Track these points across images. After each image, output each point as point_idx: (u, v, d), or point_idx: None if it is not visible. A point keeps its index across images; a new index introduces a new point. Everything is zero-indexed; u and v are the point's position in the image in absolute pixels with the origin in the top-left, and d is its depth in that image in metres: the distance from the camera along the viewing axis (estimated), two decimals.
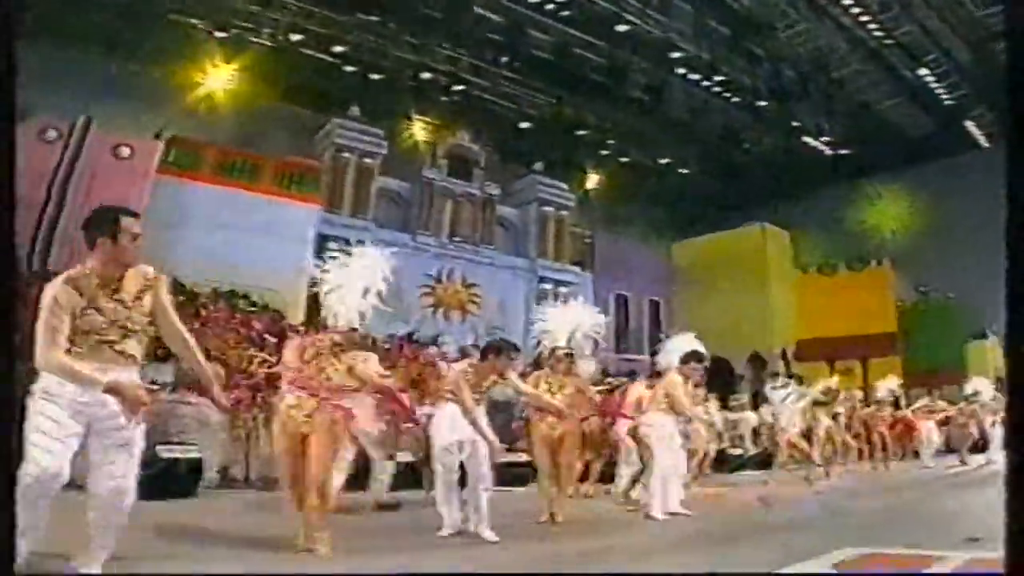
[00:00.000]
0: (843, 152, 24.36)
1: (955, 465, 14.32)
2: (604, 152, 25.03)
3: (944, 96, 22.27)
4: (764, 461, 14.06)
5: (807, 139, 24.01)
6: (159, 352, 8.52)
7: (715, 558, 5.31)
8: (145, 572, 4.00)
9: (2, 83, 2.67)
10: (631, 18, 19.52)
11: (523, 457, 9.10)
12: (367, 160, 20.29)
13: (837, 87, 22.37)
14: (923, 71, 21.26)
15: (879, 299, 24.05)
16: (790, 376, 17.59)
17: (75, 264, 3.61)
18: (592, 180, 25.84)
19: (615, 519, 7.41)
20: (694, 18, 19.94)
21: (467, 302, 21.55)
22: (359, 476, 7.59)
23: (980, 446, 15.04)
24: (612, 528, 6.96)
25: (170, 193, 15.65)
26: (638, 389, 9.11)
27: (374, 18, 19.13)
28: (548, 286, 22.26)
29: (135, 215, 3.64)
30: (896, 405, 15.17)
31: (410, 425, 7.34)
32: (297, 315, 14.02)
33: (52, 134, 14.71)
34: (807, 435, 12.10)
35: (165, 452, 7.59)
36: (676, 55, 20.79)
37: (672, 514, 7.28)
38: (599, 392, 9.96)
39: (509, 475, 8.73)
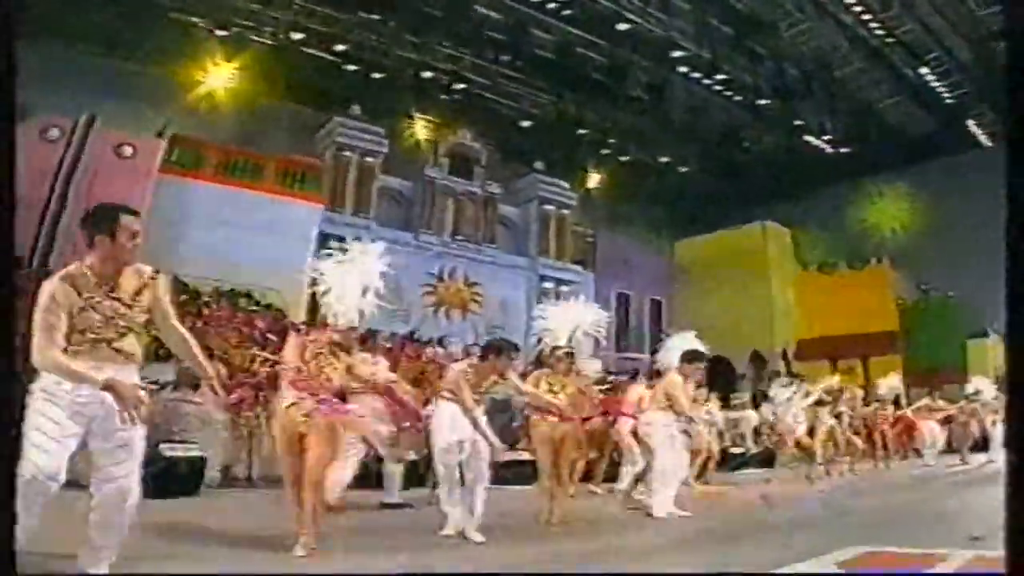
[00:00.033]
0: (844, 151, 24.30)
1: (956, 464, 14.33)
2: (605, 151, 24.99)
3: (945, 95, 22.23)
4: (765, 460, 14.10)
5: (808, 138, 23.97)
6: (160, 351, 8.56)
7: (717, 557, 5.32)
8: (146, 572, 3.99)
9: (2, 83, 2.69)
10: (632, 17, 19.50)
11: (525, 456, 9.11)
12: (368, 159, 20.28)
13: (838, 86, 22.35)
14: (924, 70, 21.21)
15: (879, 298, 24.03)
16: (791, 375, 17.65)
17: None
18: (593, 179, 25.80)
19: (616, 518, 7.42)
20: (695, 17, 19.92)
21: (469, 301, 21.55)
22: (369, 476, 7.63)
23: (981, 445, 15.05)
24: (613, 527, 6.97)
25: (172, 192, 15.65)
26: (639, 388, 9.12)
27: (375, 17, 19.10)
28: (549, 285, 22.26)
29: (135, 213, 3.63)
30: (896, 404, 15.17)
31: (407, 425, 7.35)
32: (299, 314, 14.04)
33: (54, 133, 14.70)
34: (811, 434, 12.13)
35: (168, 451, 7.60)
36: (677, 54, 20.74)
37: (669, 514, 7.30)
38: (602, 392, 9.97)
39: (510, 474, 8.75)
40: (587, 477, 9.65)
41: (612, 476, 9.48)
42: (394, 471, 7.56)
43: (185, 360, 4.05)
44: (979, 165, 19.40)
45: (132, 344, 3.55)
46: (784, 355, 24.07)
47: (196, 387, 8.45)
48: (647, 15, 19.57)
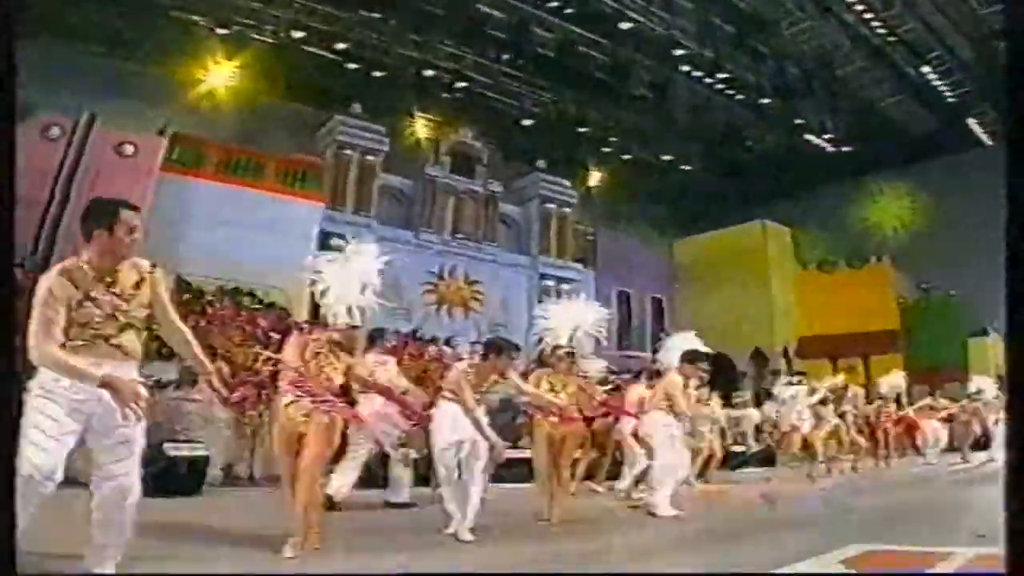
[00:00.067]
0: (845, 149, 24.29)
1: (957, 463, 14.35)
2: (607, 149, 24.97)
3: (947, 94, 22.23)
4: (766, 459, 14.11)
5: (810, 137, 23.96)
6: (163, 350, 8.57)
7: (718, 556, 5.33)
8: (149, 571, 3.99)
9: (2, 82, 2.67)
10: (634, 16, 19.48)
11: (527, 454, 9.12)
12: (369, 157, 20.27)
13: (840, 85, 22.33)
14: (926, 69, 21.21)
15: (880, 296, 24.03)
16: (793, 373, 17.65)
17: None
18: (594, 177, 25.78)
19: (617, 518, 7.42)
20: (697, 16, 19.88)
21: (469, 299, 21.54)
22: (374, 476, 7.65)
23: (982, 444, 15.06)
24: (613, 527, 6.97)
25: (173, 190, 15.64)
26: (639, 388, 9.13)
27: (376, 15, 19.08)
28: (550, 283, 22.24)
29: (135, 208, 3.62)
30: (898, 402, 15.18)
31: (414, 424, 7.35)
32: (302, 312, 14.04)
33: (55, 131, 14.70)
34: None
35: (172, 450, 7.60)
36: (679, 53, 20.71)
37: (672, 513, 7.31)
38: (604, 391, 9.96)
39: (510, 473, 8.74)
40: (589, 476, 9.66)
41: (615, 475, 9.49)
42: (402, 472, 7.58)
43: (184, 355, 4.03)
44: (980, 164, 19.38)
45: (131, 340, 3.54)
46: (785, 353, 24.07)
47: (196, 383, 8.44)
48: (649, 14, 19.54)
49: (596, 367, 9.92)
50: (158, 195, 14.91)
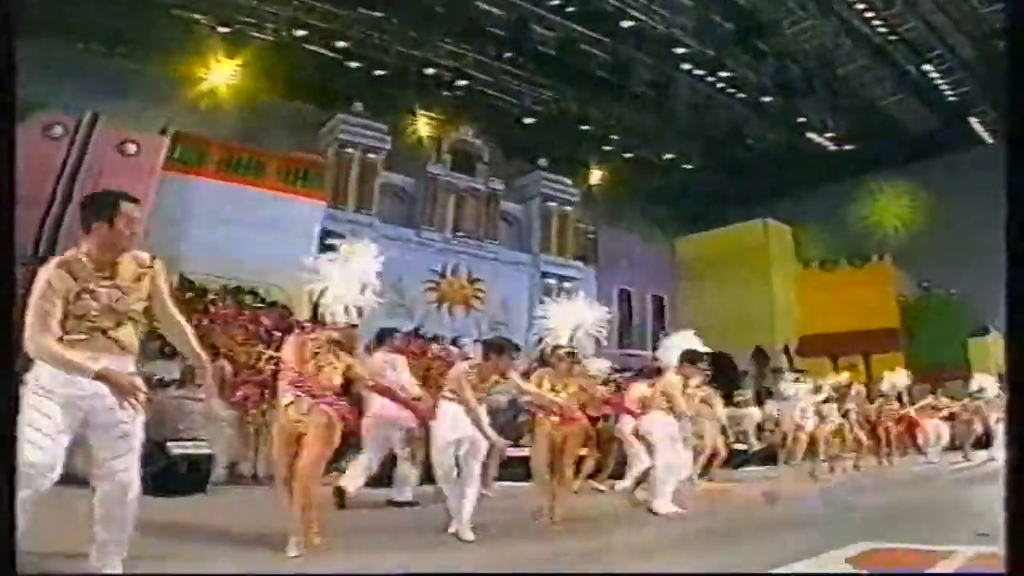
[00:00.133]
0: (847, 148, 24.32)
1: (959, 461, 14.36)
2: (608, 148, 25.01)
3: (948, 93, 22.25)
4: (767, 457, 14.12)
5: (811, 135, 23.99)
6: (165, 349, 8.59)
7: (720, 555, 5.33)
8: (152, 570, 3.99)
9: (3, 82, 2.67)
10: (636, 14, 19.49)
11: (529, 452, 9.12)
12: (371, 156, 20.27)
13: (841, 83, 22.34)
14: (927, 67, 21.23)
15: (881, 295, 24.03)
16: (797, 371, 17.65)
17: None
18: (596, 175, 25.82)
19: (619, 516, 7.41)
20: (698, 14, 19.87)
21: (471, 297, 21.55)
22: (378, 475, 7.66)
23: (983, 442, 15.08)
24: (616, 525, 6.96)
25: (175, 189, 15.66)
26: (641, 386, 9.13)
27: (377, 13, 19.09)
28: (552, 281, 22.21)
29: (135, 200, 3.60)
30: (899, 400, 15.18)
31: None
32: (303, 311, 14.04)
33: (58, 130, 14.70)
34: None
35: (176, 449, 7.59)
36: (680, 51, 20.73)
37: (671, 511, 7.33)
38: (607, 390, 9.98)
39: (512, 472, 8.76)
40: (592, 474, 9.68)
41: (619, 475, 9.49)
42: (408, 470, 7.59)
43: (181, 350, 3.99)
44: (981, 163, 19.37)
45: (129, 334, 3.51)
46: (786, 351, 24.08)
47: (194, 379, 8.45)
48: (650, 12, 19.54)
49: (600, 367, 9.93)
50: (160, 194, 14.90)
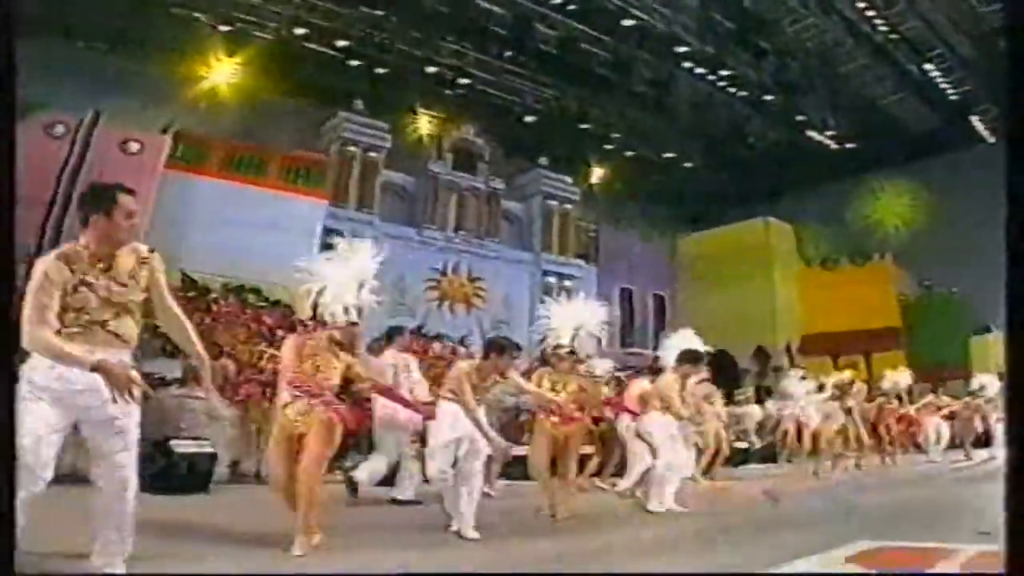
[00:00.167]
0: (848, 147, 24.33)
1: (959, 460, 14.36)
2: (609, 146, 25.04)
3: (949, 91, 22.25)
4: (767, 456, 14.15)
5: (812, 134, 24.01)
6: (167, 348, 8.60)
7: (722, 553, 5.33)
8: (155, 569, 3.98)
9: (3, 82, 2.66)
10: (637, 12, 19.50)
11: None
12: (372, 154, 20.29)
13: (842, 82, 22.35)
14: (928, 66, 21.23)
15: (881, 294, 24.02)
16: (798, 369, 17.64)
17: None
18: (597, 174, 25.84)
19: (622, 515, 7.41)
20: (700, 13, 19.89)
21: (472, 296, 21.57)
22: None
23: (984, 441, 15.08)
24: (619, 524, 6.95)
25: (177, 188, 15.68)
26: (641, 384, 9.13)
27: (378, 12, 19.10)
28: (552, 280, 22.22)
29: (131, 192, 3.56)
30: (899, 399, 15.18)
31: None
32: (304, 310, 14.03)
33: (60, 129, 14.72)
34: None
35: (179, 447, 7.60)
36: (682, 49, 20.74)
37: (668, 510, 7.34)
38: (609, 390, 9.98)
39: (517, 470, 8.77)
40: (595, 473, 9.69)
41: (623, 473, 9.49)
42: (413, 469, 7.60)
43: (179, 343, 3.96)
44: (982, 161, 19.36)
45: (127, 326, 3.49)
46: (788, 350, 24.08)
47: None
48: (651, 11, 19.55)
49: (604, 367, 9.94)
50: (161, 192, 14.93)
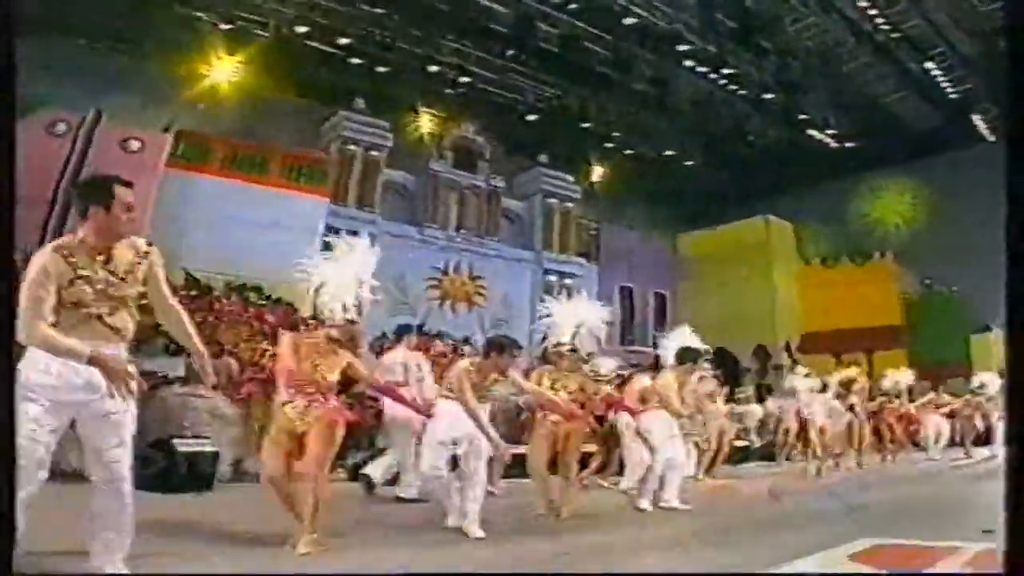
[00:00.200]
0: (848, 145, 24.33)
1: (960, 458, 14.38)
2: (610, 144, 25.03)
3: (950, 90, 22.25)
4: (767, 454, 14.18)
5: (813, 132, 24.01)
6: (170, 346, 8.62)
7: (725, 551, 5.33)
8: (158, 569, 3.99)
9: (3, 81, 2.65)
10: (638, 11, 19.48)
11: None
12: (373, 152, 20.31)
13: (843, 81, 22.34)
14: (929, 65, 21.24)
15: (882, 292, 24.03)
16: (795, 368, 17.65)
17: None
18: (597, 172, 25.84)
19: (624, 513, 7.41)
20: (701, 11, 19.88)
21: (473, 294, 21.59)
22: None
23: (984, 439, 15.10)
24: (621, 522, 6.93)
25: (178, 186, 15.69)
26: (641, 381, 9.14)
27: (380, 10, 19.09)
28: (553, 278, 22.26)
29: (129, 184, 3.54)
30: (898, 398, 15.19)
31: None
32: (306, 309, 14.02)
33: (61, 128, 14.73)
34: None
35: (182, 446, 7.59)
36: (683, 48, 20.73)
37: (670, 508, 7.35)
38: (609, 389, 9.98)
39: (521, 469, 8.77)
40: (598, 471, 9.70)
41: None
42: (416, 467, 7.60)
43: (177, 338, 3.97)
44: (983, 160, 19.33)
45: (124, 320, 3.47)
46: (788, 348, 24.10)
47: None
48: (653, 9, 19.54)
49: (608, 366, 9.95)
50: (163, 191, 14.95)
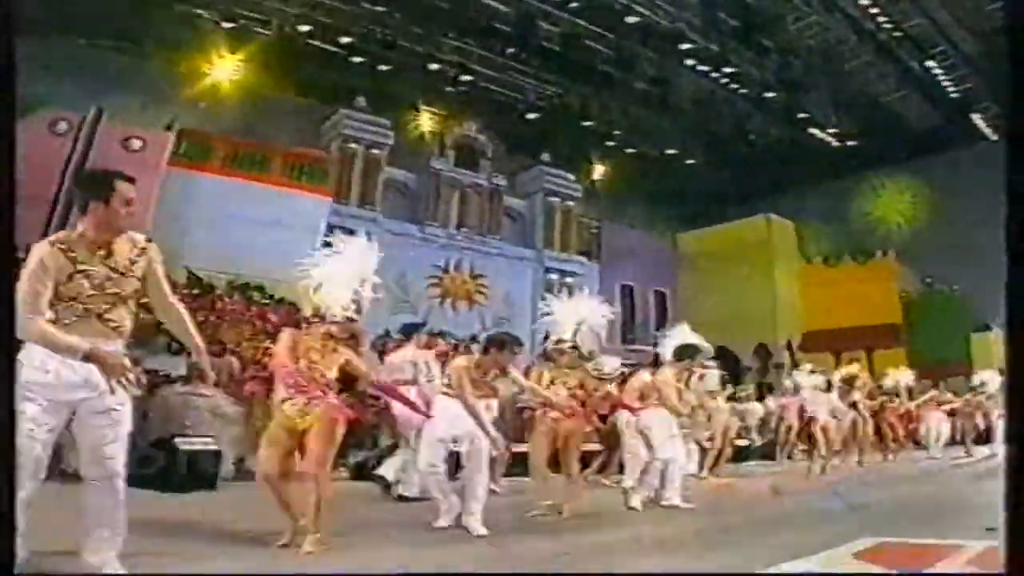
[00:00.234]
0: (849, 144, 24.34)
1: (961, 456, 14.38)
2: (611, 143, 25.01)
3: (951, 89, 22.26)
4: (768, 453, 14.18)
5: (814, 131, 24.01)
6: (172, 345, 8.63)
7: (728, 549, 5.34)
8: (160, 568, 3.99)
9: (3, 80, 2.65)
10: (640, 9, 19.48)
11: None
12: (374, 151, 20.31)
13: (845, 79, 22.34)
14: (931, 64, 21.25)
15: (883, 291, 24.01)
16: (795, 366, 17.65)
17: None
18: (599, 171, 25.85)
19: (624, 512, 7.39)
20: (703, 10, 19.88)
21: (474, 293, 21.60)
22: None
23: (984, 438, 15.10)
24: (623, 521, 6.91)
25: (180, 185, 15.67)
26: (641, 378, 9.15)
27: (381, 8, 19.10)
28: (554, 276, 22.26)
29: (131, 179, 3.54)
30: (898, 396, 15.19)
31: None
32: (307, 307, 14.00)
33: (63, 126, 14.71)
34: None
35: (184, 445, 7.60)
36: (685, 46, 20.73)
37: (672, 506, 7.36)
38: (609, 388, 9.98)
39: (521, 468, 8.78)
40: (600, 469, 9.72)
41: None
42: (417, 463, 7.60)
43: (176, 334, 3.97)
44: (984, 159, 19.32)
45: (122, 316, 3.47)
46: (789, 347, 24.09)
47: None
48: (655, 7, 19.54)
49: (612, 365, 9.95)
50: (164, 189, 14.93)
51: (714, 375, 10.84)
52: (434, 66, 20.81)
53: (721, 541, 5.82)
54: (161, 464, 7.27)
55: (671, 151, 25.58)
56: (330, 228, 16.45)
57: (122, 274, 3.47)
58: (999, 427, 14.05)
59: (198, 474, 7.53)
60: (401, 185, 21.46)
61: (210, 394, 8.50)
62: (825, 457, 11.72)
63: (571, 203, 23.92)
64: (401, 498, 7.38)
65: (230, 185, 16.71)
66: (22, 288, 3.16)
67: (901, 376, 15.23)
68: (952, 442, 15.50)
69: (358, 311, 5.33)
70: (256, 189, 16.99)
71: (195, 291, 12.22)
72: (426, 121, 22.09)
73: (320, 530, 4.68)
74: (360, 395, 8.38)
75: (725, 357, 16.51)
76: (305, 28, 19.14)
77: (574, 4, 19.45)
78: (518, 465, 8.46)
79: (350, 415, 5.18)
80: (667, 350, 8.30)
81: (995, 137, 22.92)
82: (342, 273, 5.30)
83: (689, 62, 21.33)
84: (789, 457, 13.59)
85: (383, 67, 20.41)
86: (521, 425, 9.99)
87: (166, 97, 17.34)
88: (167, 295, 3.78)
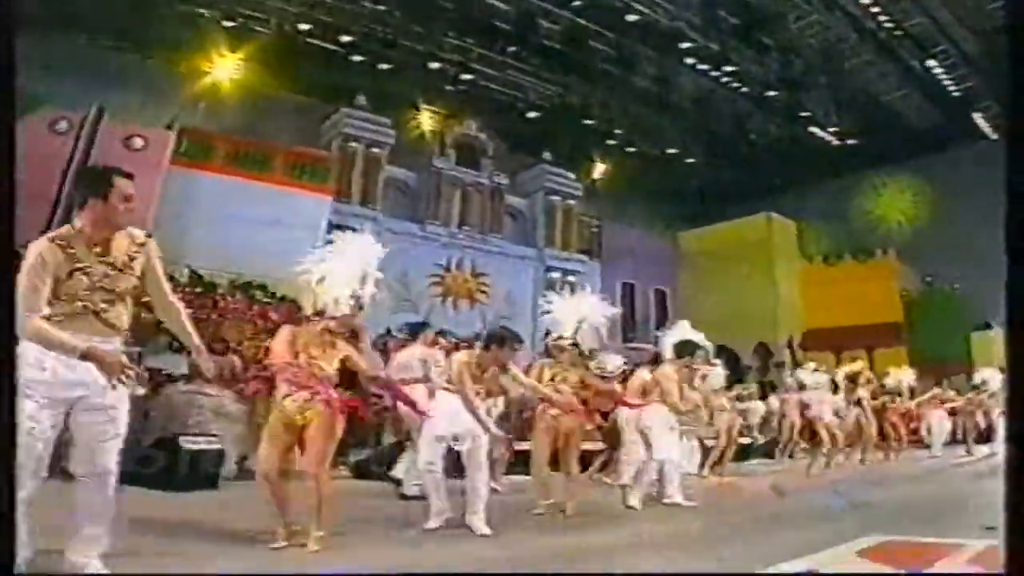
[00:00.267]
0: (850, 143, 24.33)
1: (962, 455, 14.38)
2: (612, 142, 25.01)
3: (952, 88, 22.25)
4: (769, 451, 14.19)
5: (815, 130, 24.01)
6: (174, 344, 8.62)
7: (730, 549, 5.33)
8: (159, 568, 3.99)
9: (3, 79, 2.64)
10: (641, 8, 19.46)
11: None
12: (375, 150, 20.32)
13: (845, 78, 22.32)
14: (931, 63, 21.24)
15: (884, 290, 24.03)
16: (796, 365, 17.65)
17: None
18: (599, 169, 25.81)
19: (625, 510, 7.39)
20: (703, 9, 19.88)
21: (475, 291, 21.62)
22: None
23: (985, 436, 15.10)
24: (625, 519, 6.93)
25: (181, 184, 15.66)
26: (641, 375, 9.15)
27: (382, 7, 19.10)
28: (555, 275, 22.27)
29: (129, 176, 3.55)
30: (900, 395, 15.19)
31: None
32: (308, 306, 13.98)
33: (63, 125, 14.68)
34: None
35: (188, 444, 7.59)
36: (685, 45, 20.73)
37: (674, 504, 7.36)
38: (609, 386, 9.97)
39: (523, 467, 8.78)
40: (601, 467, 9.71)
41: None
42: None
43: (174, 330, 3.97)
44: (985, 158, 19.26)
45: (120, 314, 3.47)
46: (790, 346, 24.10)
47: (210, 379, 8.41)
48: (655, 6, 19.52)
49: (615, 363, 9.95)
50: (165, 188, 14.91)
51: (718, 374, 10.86)
52: (435, 65, 20.82)
53: (723, 539, 5.81)
54: (163, 463, 7.28)
55: (672, 150, 25.59)
56: (331, 227, 16.47)
57: (120, 270, 3.47)
58: (1000, 426, 14.06)
59: (200, 473, 7.52)
60: (402, 184, 21.47)
61: (213, 393, 8.50)
62: (828, 454, 11.72)
63: (572, 202, 23.95)
64: (403, 497, 7.38)
65: (231, 184, 16.70)
66: (21, 284, 3.16)
67: (903, 375, 15.22)
68: (953, 441, 15.50)
69: (359, 308, 5.30)
70: (257, 188, 16.97)
71: (197, 290, 12.18)
72: (427, 120, 22.08)
73: (322, 528, 4.68)
74: (362, 392, 8.40)
75: (726, 356, 16.52)
76: (306, 27, 19.15)
77: (575, 3, 19.44)
78: (519, 463, 8.46)
79: (350, 404, 5.14)
80: (667, 347, 8.30)
81: (996, 136, 22.91)
82: (345, 268, 5.30)
83: (690, 61, 21.33)
84: (790, 456, 13.60)
85: (384, 66, 20.42)
86: (522, 424, 9.99)
87: (167, 96, 17.34)
88: (167, 293, 3.78)
